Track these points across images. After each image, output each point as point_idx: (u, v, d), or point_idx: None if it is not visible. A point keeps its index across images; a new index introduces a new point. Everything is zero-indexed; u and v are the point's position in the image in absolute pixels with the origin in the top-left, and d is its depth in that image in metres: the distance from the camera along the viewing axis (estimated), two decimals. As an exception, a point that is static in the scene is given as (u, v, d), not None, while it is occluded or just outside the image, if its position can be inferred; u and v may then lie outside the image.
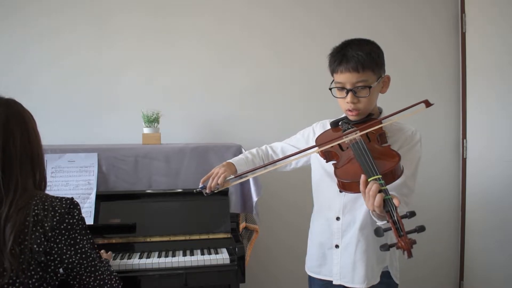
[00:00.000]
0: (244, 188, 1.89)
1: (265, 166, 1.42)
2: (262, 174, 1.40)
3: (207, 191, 1.38)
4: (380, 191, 1.05)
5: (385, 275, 1.40)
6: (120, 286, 1.24)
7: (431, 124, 2.60)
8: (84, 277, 1.14)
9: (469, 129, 2.55)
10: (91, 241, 1.18)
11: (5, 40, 2.21)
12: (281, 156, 1.55)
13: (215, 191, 1.38)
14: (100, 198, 1.75)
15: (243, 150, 1.96)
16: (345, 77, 1.27)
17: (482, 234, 2.44)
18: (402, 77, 2.51)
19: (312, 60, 2.42)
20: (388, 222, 1.03)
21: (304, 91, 2.45)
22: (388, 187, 1.16)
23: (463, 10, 2.54)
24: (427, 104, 1.23)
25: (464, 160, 2.59)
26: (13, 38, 2.21)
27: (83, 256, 1.13)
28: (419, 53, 2.59)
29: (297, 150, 1.47)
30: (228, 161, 1.49)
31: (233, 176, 1.40)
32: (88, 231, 1.18)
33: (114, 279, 1.22)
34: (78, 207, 1.16)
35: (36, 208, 1.08)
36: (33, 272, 1.05)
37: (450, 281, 2.68)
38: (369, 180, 1.08)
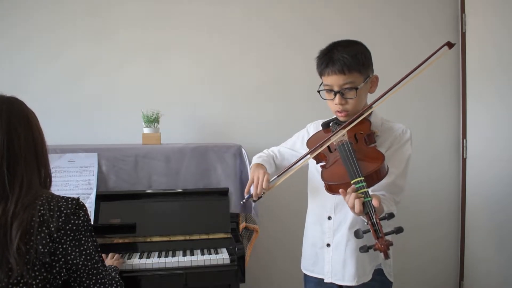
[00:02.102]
0: (243, 188, 1.89)
1: (288, 168, 1.39)
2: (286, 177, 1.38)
3: (255, 198, 1.35)
4: (360, 196, 1.06)
5: (378, 273, 1.41)
6: None
7: (431, 124, 2.60)
8: (84, 279, 1.13)
9: (469, 129, 2.55)
10: (96, 243, 1.17)
11: (4, 40, 2.20)
12: (281, 159, 1.59)
13: (262, 196, 1.36)
14: (100, 198, 1.76)
15: (243, 150, 1.96)
16: (332, 80, 1.29)
17: (482, 234, 2.44)
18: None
19: (312, 60, 2.42)
20: (367, 223, 1.04)
21: (305, 91, 2.44)
22: (377, 186, 1.18)
23: (463, 10, 2.54)
24: (450, 45, 1.25)
25: (464, 160, 2.59)
26: (13, 38, 2.21)
27: (88, 258, 1.13)
28: (419, 53, 2.56)
29: (293, 152, 1.54)
30: (255, 163, 1.48)
31: (275, 177, 1.38)
32: (93, 233, 1.17)
33: (115, 284, 1.21)
34: (84, 208, 1.15)
35: (42, 208, 1.08)
36: (37, 273, 1.04)
37: (450, 281, 2.68)
38: (351, 182, 1.11)
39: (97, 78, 2.28)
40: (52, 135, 2.19)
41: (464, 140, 2.58)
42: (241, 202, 1.44)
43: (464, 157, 2.59)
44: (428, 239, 2.59)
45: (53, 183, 1.76)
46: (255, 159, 1.54)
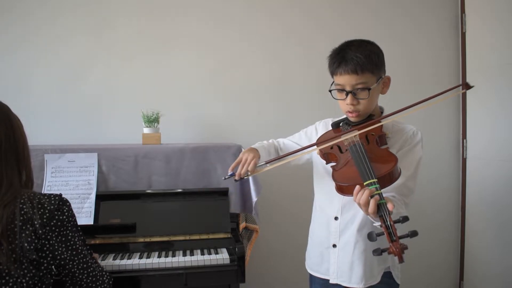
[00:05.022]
0: (244, 188, 1.89)
1: (282, 157, 1.40)
2: (280, 164, 1.38)
3: (237, 177, 1.36)
4: (374, 196, 1.05)
5: (387, 275, 1.40)
6: (111, 282, 1.25)
7: (431, 124, 2.60)
8: (77, 274, 1.14)
9: (469, 129, 2.55)
10: (82, 237, 1.18)
11: (5, 39, 2.20)
12: (284, 150, 1.57)
13: (245, 178, 1.36)
14: (100, 198, 1.76)
15: (243, 150, 1.95)
16: (344, 79, 1.27)
17: (482, 234, 2.44)
18: (402, 77, 2.51)
19: (312, 60, 2.42)
20: (381, 226, 1.03)
21: (305, 91, 2.45)
22: (388, 188, 1.17)
23: (463, 10, 2.54)
24: (467, 86, 1.24)
25: (464, 160, 2.59)
26: (13, 37, 2.21)
27: (74, 253, 1.13)
28: (419, 53, 2.59)
29: (299, 147, 1.51)
30: (251, 147, 1.48)
31: (263, 163, 1.38)
32: (79, 228, 1.17)
33: (105, 275, 1.23)
34: (68, 203, 1.15)
35: (24, 206, 1.08)
36: (26, 271, 1.05)
37: (450, 281, 2.68)
38: (364, 183, 1.09)
39: (97, 78, 2.28)
40: (52, 135, 2.21)
41: (464, 140, 2.58)
42: (223, 178, 1.41)
43: (464, 157, 2.59)
44: (428, 239, 2.59)
45: (53, 183, 1.77)
46: (255, 145, 1.52)
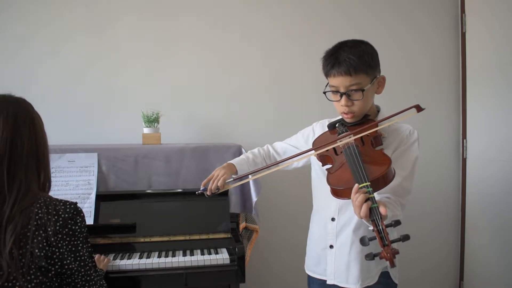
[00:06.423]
0: (244, 188, 1.89)
1: (267, 167, 1.42)
2: (263, 175, 1.40)
3: (208, 193, 1.40)
4: (367, 200, 1.05)
5: (384, 276, 1.40)
6: None
7: (431, 124, 2.60)
8: (78, 286, 1.13)
9: (469, 129, 2.55)
10: (90, 249, 1.17)
11: (5, 39, 2.21)
12: (282, 156, 1.57)
13: (216, 193, 1.40)
14: (100, 198, 1.76)
15: (243, 150, 1.96)
16: (338, 81, 1.27)
17: (482, 234, 2.44)
18: (402, 78, 2.51)
19: (311, 60, 2.41)
20: (373, 230, 1.02)
21: (304, 91, 2.45)
22: (383, 189, 1.16)
23: (463, 10, 2.54)
24: (418, 109, 1.23)
25: (464, 160, 2.59)
26: (13, 37, 2.21)
27: (82, 264, 1.13)
28: (419, 53, 2.59)
29: (296, 150, 1.52)
30: (229, 162, 1.51)
31: (232, 179, 1.41)
32: (88, 239, 1.17)
33: None
34: (82, 214, 1.15)
35: (39, 211, 1.07)
36: (32, 277, 1.04)
37: (450, 281, 2.68)
38: (358, 187, 1.08)
39: (97, 78, 2.28)
40: (52, 135, 2.19)
41: (464, 140, 2.58)
42: (196, 193, 1.44)
43: (464, 157, 2.59)
44: (428, 239, 2.59)
45: (53, 183, 1.77)
46: (237, 158, 1.56)
